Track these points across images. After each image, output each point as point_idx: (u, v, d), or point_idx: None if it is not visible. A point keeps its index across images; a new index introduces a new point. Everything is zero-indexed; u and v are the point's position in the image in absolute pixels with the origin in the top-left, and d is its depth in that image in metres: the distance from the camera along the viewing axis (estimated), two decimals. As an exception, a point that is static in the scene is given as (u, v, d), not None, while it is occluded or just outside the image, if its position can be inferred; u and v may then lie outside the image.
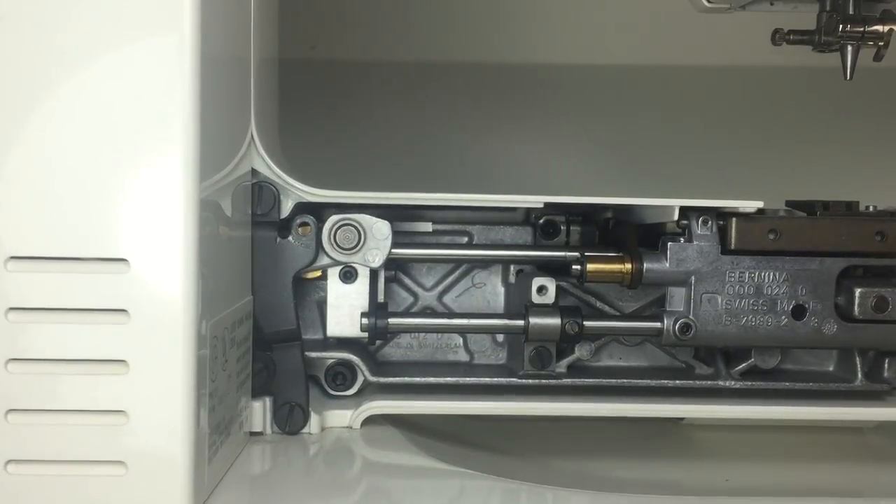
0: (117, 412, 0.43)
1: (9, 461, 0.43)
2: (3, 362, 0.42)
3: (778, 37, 0.62)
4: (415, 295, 0.64)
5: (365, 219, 0.57)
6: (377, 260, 0.57)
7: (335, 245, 0.57)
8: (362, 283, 0.59)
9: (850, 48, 0.60)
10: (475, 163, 0.86)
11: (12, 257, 0.42)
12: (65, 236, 0.42)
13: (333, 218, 0.57)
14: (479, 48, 0.88)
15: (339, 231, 0.56)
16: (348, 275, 0.59)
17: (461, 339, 0.64)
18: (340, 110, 0.87)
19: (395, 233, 0.62)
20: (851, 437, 0.66)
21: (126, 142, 0.42)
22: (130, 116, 0.42)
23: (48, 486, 0.43)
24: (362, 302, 0.58)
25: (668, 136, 0.89)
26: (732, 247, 0.56)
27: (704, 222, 0.57)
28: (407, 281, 0.63)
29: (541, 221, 0.63)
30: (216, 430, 0.47)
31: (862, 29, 0.59)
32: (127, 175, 0.42)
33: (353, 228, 0.56)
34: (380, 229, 0.57)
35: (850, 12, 0.60)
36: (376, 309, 0.59)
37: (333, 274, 0.59)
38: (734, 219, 0.56)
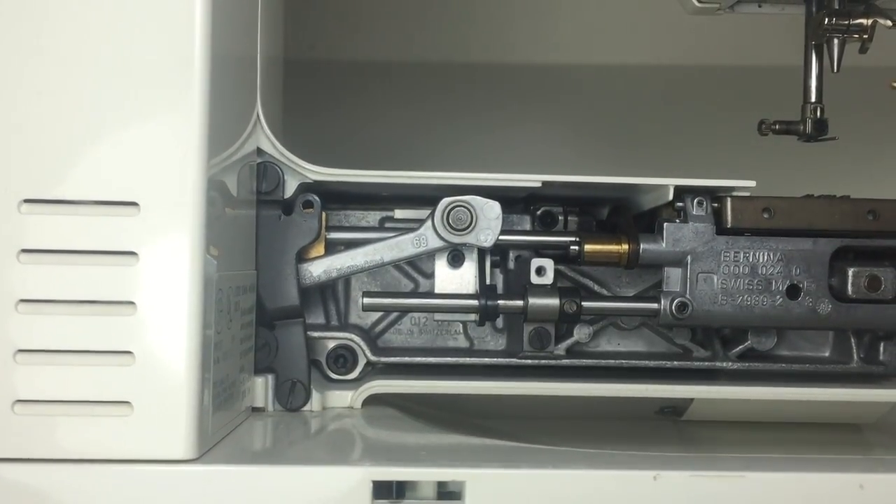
0: (124, 353, 0.43)
1: (16, 401, 0.43)
2: (14, 304, 0.43)
3: (764, 127, 0.66)
4: (415, 281, 0.64)
5: (476, 200, 0.57)
6: (489, 239, 0.57)
7: (448, 226, 0.57)
8: (468, 267, 0.61)
9: (836, 41, 0.62)
10: (474, 161, 0.87)
11: (26, 200, 0.43)
12: (78, 180, 0.44)
13: (445, 200, 0.57)
14: (478, 48, 0.91)
15: (452, 212, 0.57)
16: (457, 258, 0.61)
17: (461, 325, 0.64)
18: (339, 110, 0.89)
19: (393, 219, 0.64)
20: (851, 434, 0.66)
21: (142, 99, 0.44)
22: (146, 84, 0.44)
23: (54, 427, 0.43)
24: (465, 285, 0.61)
25: (664, 136, 0.91)
26: (728, 225, 0.57)
27: (699, 203, 0.58)
28: (407, 268, 0.64)
29: (539, 212, 0.64)
30: (220, 384, 0.48)
31: (847, 22, 0.61)
32: (140, 121, 0.44)
33: (465, 209, 0.57)
34: (491, 208, 0.57)
35: (836, 7, 0.62)
36: (486, 290, 0.60)
37: (441, 259, 0.61)
38: (729, 198, 0.58)
